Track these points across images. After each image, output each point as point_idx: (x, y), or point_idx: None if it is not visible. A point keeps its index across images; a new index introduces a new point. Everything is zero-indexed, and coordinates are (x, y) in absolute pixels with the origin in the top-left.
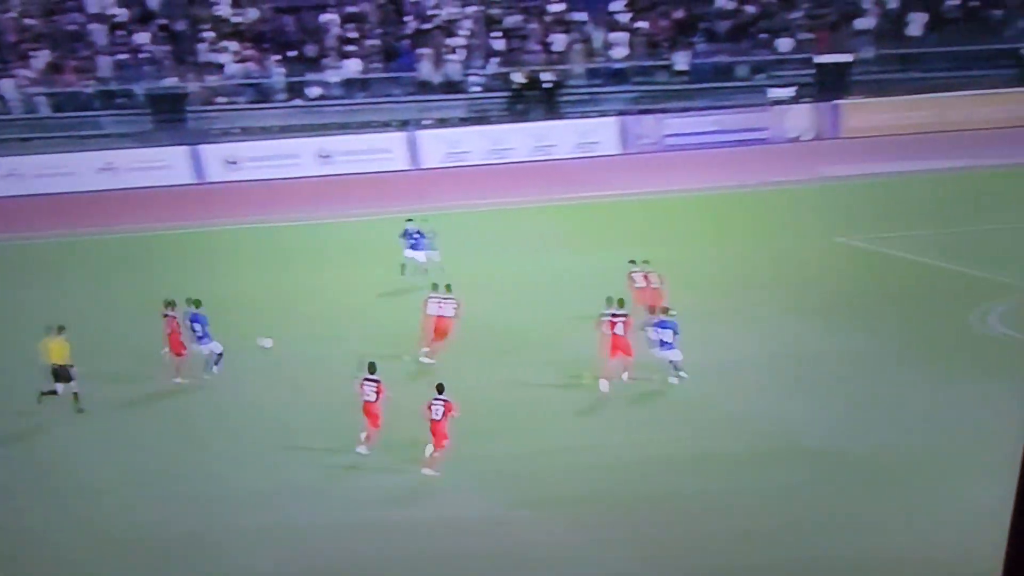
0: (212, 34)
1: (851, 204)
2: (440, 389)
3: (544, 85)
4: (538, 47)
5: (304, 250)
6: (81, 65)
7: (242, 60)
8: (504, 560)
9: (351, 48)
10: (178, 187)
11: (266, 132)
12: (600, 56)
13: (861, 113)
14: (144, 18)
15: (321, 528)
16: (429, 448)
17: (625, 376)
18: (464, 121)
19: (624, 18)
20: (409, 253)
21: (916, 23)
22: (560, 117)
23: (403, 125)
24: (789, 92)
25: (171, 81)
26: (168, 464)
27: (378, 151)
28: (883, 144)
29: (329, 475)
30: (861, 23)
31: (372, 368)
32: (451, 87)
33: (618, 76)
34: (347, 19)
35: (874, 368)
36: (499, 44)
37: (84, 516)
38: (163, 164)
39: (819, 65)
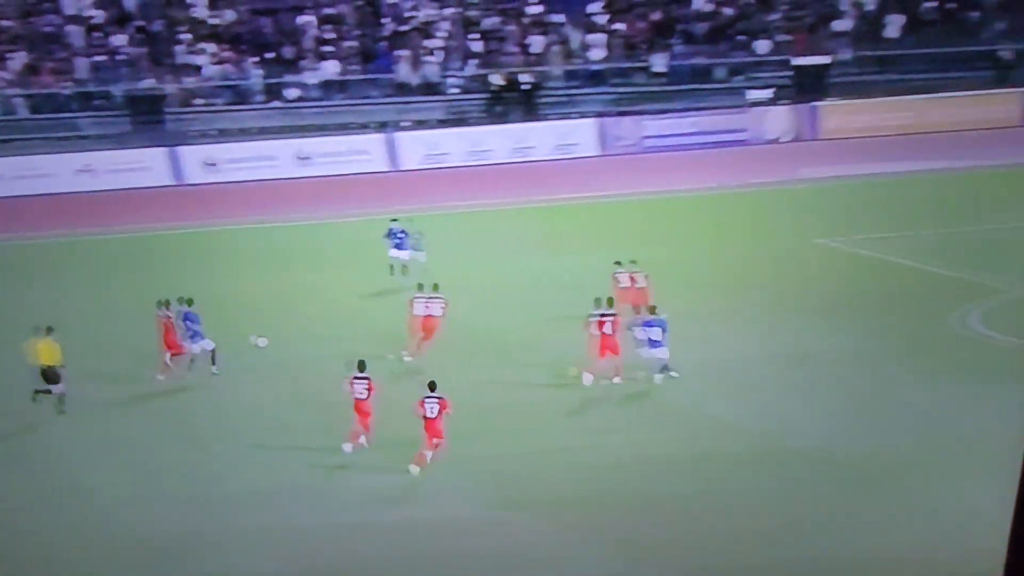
0: (189, 36)
1: (830, 206)
2: (432, 387)
3: (522, 87)
4: (516, 49)
5: (290, 251)
6: (58, 67)
7: (220, 62)
8: (492, 561)
9: (329, 50)
10: (159, 188)
11: (245, 134)
12: (578, 58)
13: (839, 115)
14: (121, 20)
15: (313, 528)
16: (414, 469)
17: (616, 379)
18: (443, 123)
19: (602, 20)
20: (394, 253)
21: (894, 25)
22: (539, 119)
23: (382, 127)
24: (767, 94)
25: (149, 83)
26: (161, 464)
27: (357, 153)
28: (862, 146)
29: (318, 475)
30: (839, 25)
31: (362, 366)
32: (429, 89)
33: (596, 78)
34: (324, 21)
35: (855, 369)
36: (477, 46)
37: (76, 515)
38: (142, 166)
39: (797, 67)
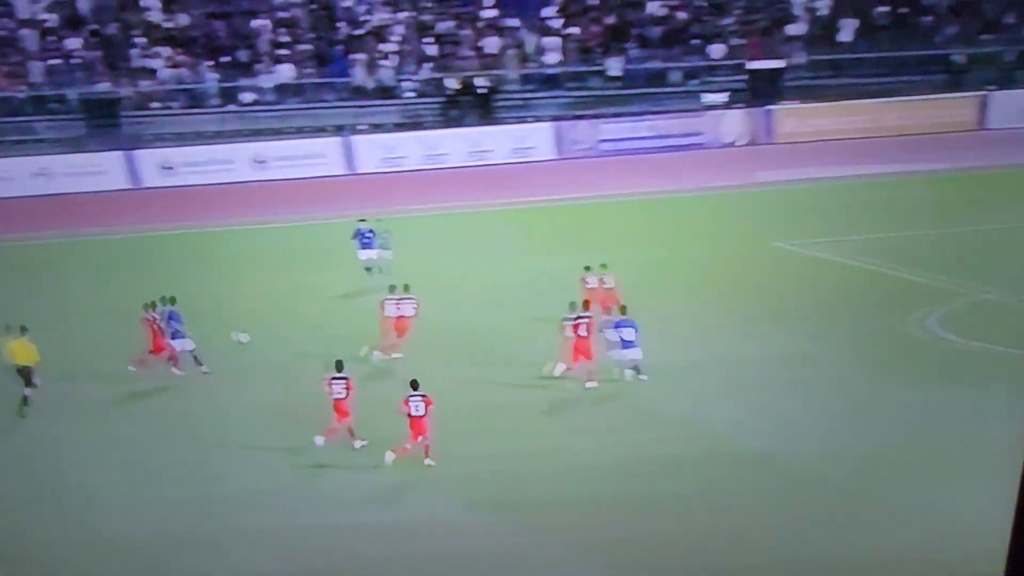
0: (144, 39)
1: (787, 209)
2: (415, 385)
3: (478, 91)
4: (471, 53)
5: (255, 253)
6: (12, 70)
7: (175, 65)
8: (472, 563)
9: (284, 53)
10: (116, 192)
11: (201, 137)
12: (533, 62)
13: (795, 118)
14: (75, 23)
15: (295, 529)
16: (390, 456)
17: (589, 383)
18: (399, 127)
19: (556, 24)
20: (363, 254)
21: (847, 29)
22: (495, 122)
23: (338, 130)
24: (722, 98)
25: (104, 86)
26: (143, 463)
27: (314, 156)
28: (818, 149)
29: (297, 475)
30: (792, 29)
31: (339, 366)
32: (385, 92)
33: (552, 81)
34: (279, 24)
35: (812, 372)
36: (432, 50)
37: (66, 514)
38: (98, 169)
39: (751, 71)
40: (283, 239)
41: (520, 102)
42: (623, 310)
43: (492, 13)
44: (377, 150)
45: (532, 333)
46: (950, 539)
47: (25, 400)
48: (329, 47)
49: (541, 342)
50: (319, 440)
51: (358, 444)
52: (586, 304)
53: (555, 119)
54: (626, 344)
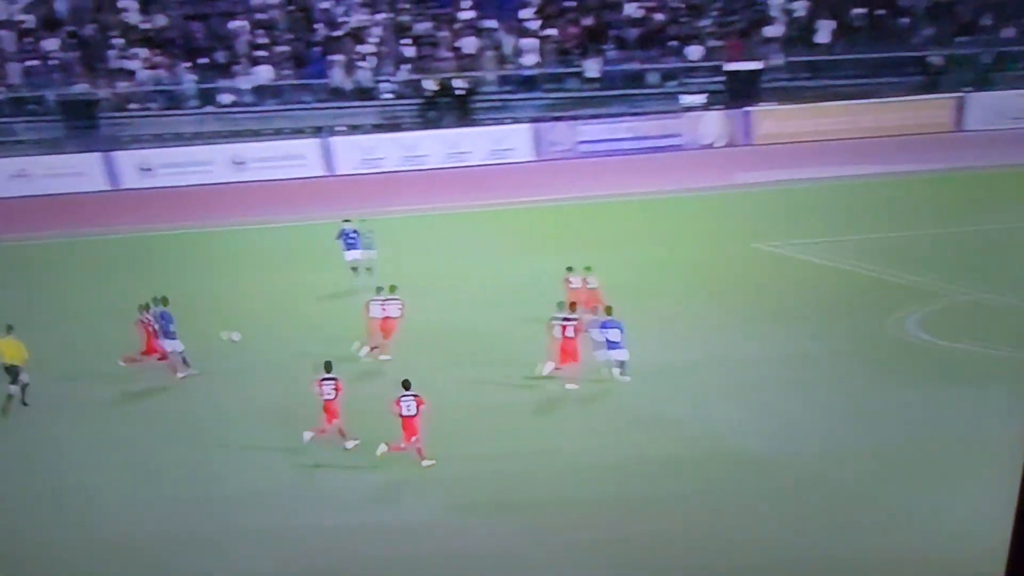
0: (122, 41)
1: (767, 210)
2: (407, 385)
3: (456, 92)
4: (449, 54)
5: (239, 254)
6: None
7: (152, 67)
8: (459, 563)
9: (261, 55)
10: (95, 193)
11: (179, 139)
12: (511, 63)
13: (773, 120)
14: (52, 24)
15: (287, 529)
16: (382, 447)
17: (570, 385)
18: (377, 128)
19: (534, 25)
20: (348, 254)
21: (824, 31)
22: (473, 124)
23: (316, 132)
24: (700, 99)
25: (82, 87)
26: (148, 464)
27: (292, 157)
28: (797, 151)
29: (288, 475)
30: (770, 31)
31: (328, 367)
32: (363, 94)
33: (530, 83)
34: (257, 26)
35: (792, 372)
36: (409, 51)
37: (58, 514)
38: (77, 171)
39: (729, 72)
40: (266, 240)
41: (498, 103)
42: (608, 311)
43: (470, 14)
44: (356, 151)
45: (516, 333)
46: (950, 540)
47: (10, 398)
48: (307, 48)
49: (526, 342)
50: (306, 435)
51: (350, 444)
52: (572, 305)
53: (533, 121)
54: (611, 345)
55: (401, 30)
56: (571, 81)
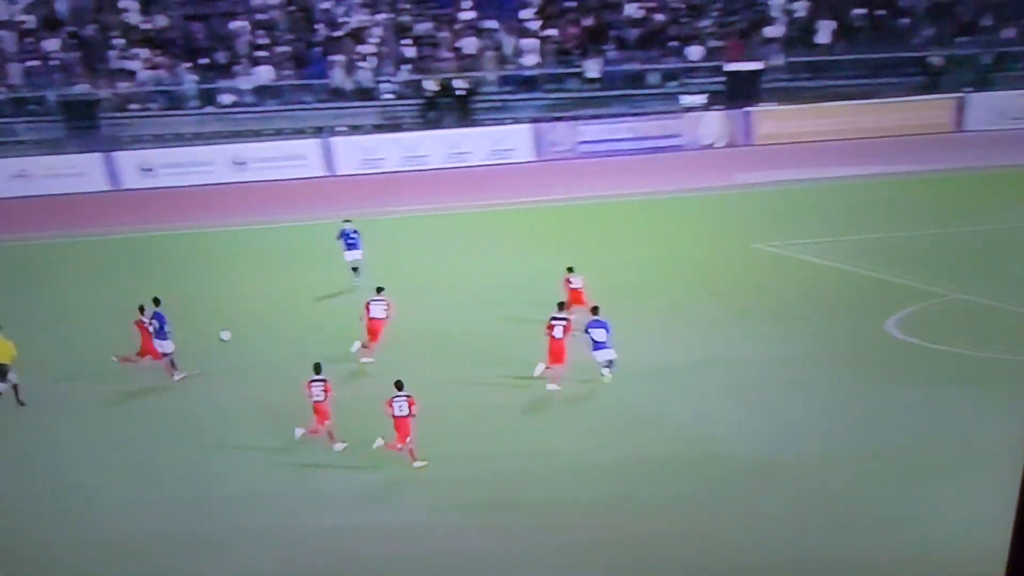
0: (122, 41)
1: (767, 210)
2: (399, 386)
3: (457, 92)
4: (449, 55)
5: (240, 254)
6: None
7: (153, 67)
8: (467, 563)
9: (262, 55)
10: (96, 194)
11: (180, 139)
12: (511, 64)
13: (773, 120)
14: (53, 25)
15: (279, 530)
16: (379, 442)
17: (550, 385)
18: (378, 128)
19: (534, 25)
20: (349, 254)
21: (824, 31)
22: (474, 124)
23: (317, 132)
24: (701, 99)
25: (83, 88)
26: (145, 463)
27: (293, 158)
28: (797, 151)
29: (291, 476)
30: (770, 31)
31: (318, 369)
32: (363, 94)
33: (530, 83)
34: (257, 26)
35: (792, 372)
36: (410, 51)
37: (63, 514)
38: (77, 171)
39: (730, 73)
40: (266, 240)
41: (499, 104)
42: (595, 311)
43: (470, 15)
44: (356, 152)
45: (515, 334)
46: (950, 540)
47: None
48: (308, 49)
49: (525, 343)
50: (298, 431)
51: (338, 447)
52: (561, 305)
53: (534, 121)
54: (597, 345)
55: (402, 30)
56: (571, 81)
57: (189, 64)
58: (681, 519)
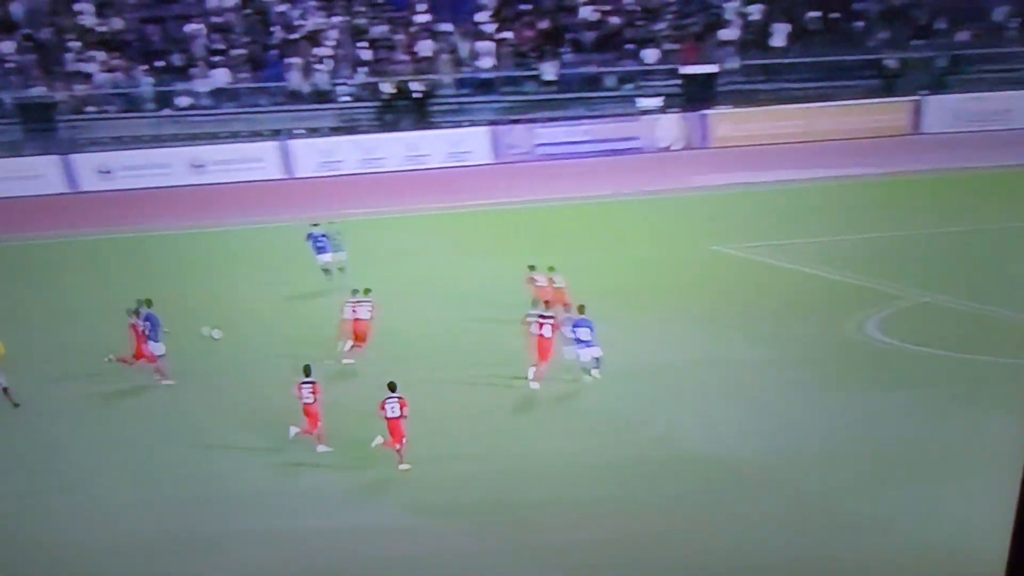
0: (78, 44)
1: (725, 213)
2: (392, 387)
3: (414, 95)
4: (405, 57)
5: (203, 257)
6: None
7: (110, 70)
8: (467, 562)
9: (218, 58)
10: (54, 196)
11: (138, 141)
12: (467, 66)
13: (730, 123)
14: (8, 28)
15: (281, 531)
16: (378, 440)
17: (532, 385)
18: (335, 131)
19: (489, 28)
20: (320, 258)
21: (779, 34)
22: (431, 127)
23: (275, 134)
24: (657, 102)
25: (39, 91)
26: (138, 464)
27: (251, 160)
28: (753, 154)
29: (265, 478)
30: (725, 34)
31: (307, 371)
32: (320, 97)
33: (487, 86)
34: (213, 29)
35: (751, 375)
36: (366, 54)
37: (62, 514)
38: (35, 173)
39: (685, 76)
40: (228, 242)
41: (456, 106)
42: (581, 309)
43: (425, 18)
44: (314, 154)
45: (479, 334)
46: (950, 541)
47: None
48: (264, 52)
49: (492, 343)
50: (292, 430)
51: (320, 448)
52: (548, 303)
53: (491, 123)
54: (581, 343)
55: (357, 33)
56: (528, 84)
57: (145, 67)
58: (652, 521)
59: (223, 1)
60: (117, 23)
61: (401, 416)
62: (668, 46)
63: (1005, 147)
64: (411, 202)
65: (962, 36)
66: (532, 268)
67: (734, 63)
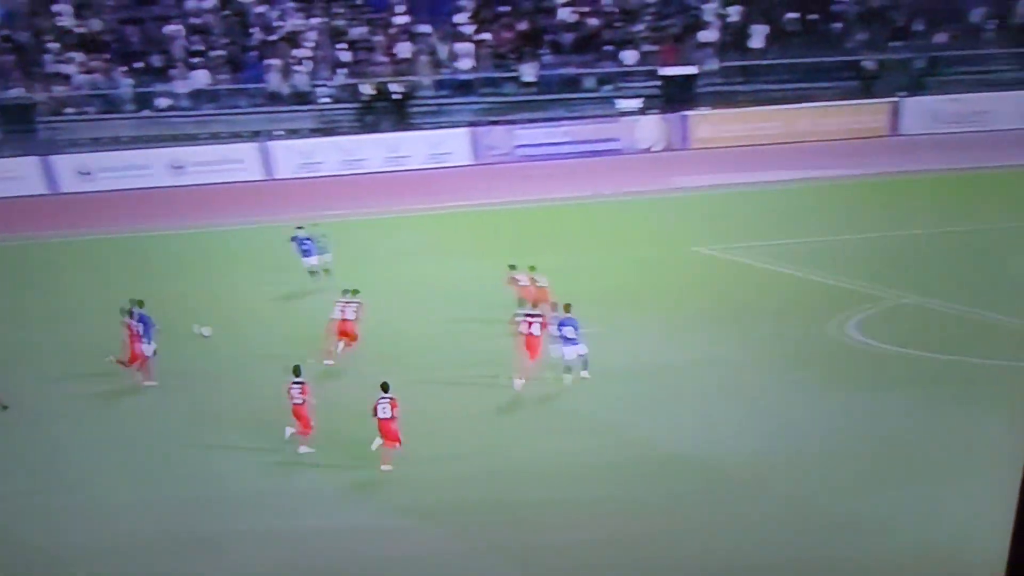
0: (57, 45)
1: (705, 214)
2: (385, 388)
3: (393, 96)
4: (385, 59)
5: (189, 258)
6: None
7: (88, 71)
8: (467, 561)
9: (197, 60)
10: (33, 197)
11: (118, 143)
12: (447, 68)
13: (709, 124)
14: None
15: (255, 533)
16: (377, 442)
17: (517, 382)
18: (315, 132)
19: (468, 30)
20: (305, 261)
21: (758, 36)
22: (411, 128)
23: (254, 136)
24: (637, 104)
25: (18, 92)
26: (135, 464)
27: (231, 162)
28: (733, 155)
29: (255, 479)
30: (704, 35)
31: (297, 371)
32: (300, 98)
33: (466, 87)
34: (192, 30)
35: (731, 376)
36: (346, 56)
37: (60, 514)
38: (14, 175)
39: (664, 77)
40: (208, 244)
41: (435, 108)
42: (567, 308)
43: (404, 19)
44: (294, 155)
45: (462, 335)
46: (950, 541)
47: None
48: (243, 53)
49: (475, 343)
50: (288, 430)
51: (302, 449)
52: (535, 302)
53: (471, 125)
54: (567, 341)
55: (337, 35)
56: (507, 85)
57: (125, 68)
58: (628, 524)
59: (202, 2)
60: (96, 24)
61: (391, 417)
62: (647, 47)
63: (983, 148)
64: (391, 203)
65: (940, 38)
66: (513, 268)
67: (713, 64)
